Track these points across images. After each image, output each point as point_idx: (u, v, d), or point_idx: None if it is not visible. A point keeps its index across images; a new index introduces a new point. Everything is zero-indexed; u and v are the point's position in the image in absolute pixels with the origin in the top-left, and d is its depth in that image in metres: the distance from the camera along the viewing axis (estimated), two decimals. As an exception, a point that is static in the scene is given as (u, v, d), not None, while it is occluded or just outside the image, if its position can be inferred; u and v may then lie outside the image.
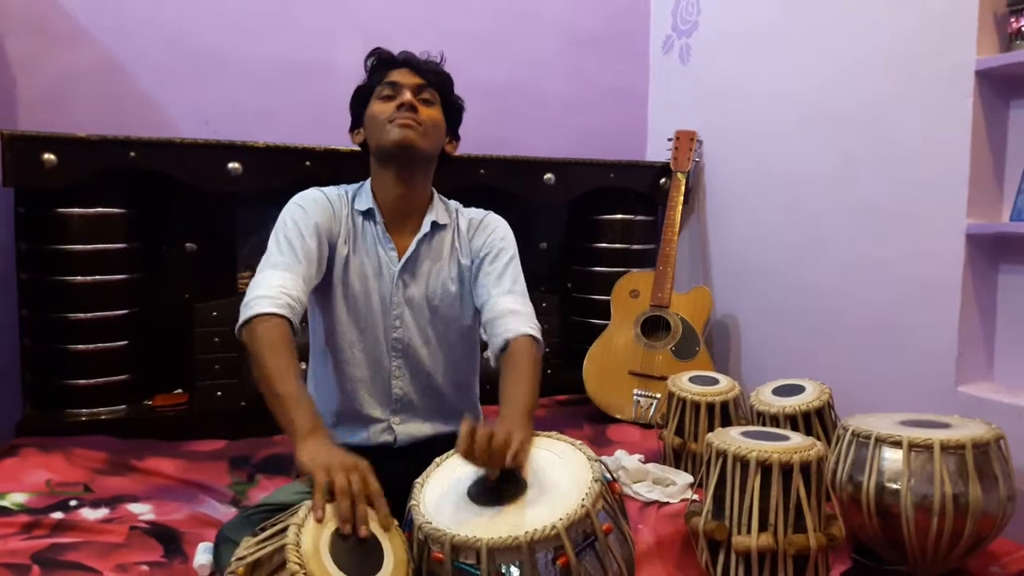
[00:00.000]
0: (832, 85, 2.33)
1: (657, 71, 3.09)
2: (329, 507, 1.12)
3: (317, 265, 1.57)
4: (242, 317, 1.44)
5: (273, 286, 1.47)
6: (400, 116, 1.58)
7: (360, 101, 1.68)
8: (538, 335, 1.58)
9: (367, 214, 1.66)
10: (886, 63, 2.16)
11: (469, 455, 1.23)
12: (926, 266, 2.05)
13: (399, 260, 1.65)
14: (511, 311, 1.60)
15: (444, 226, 1.70)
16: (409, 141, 1.58)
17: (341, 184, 1.73)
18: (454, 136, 1.75)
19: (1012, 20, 1.90)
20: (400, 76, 1.62)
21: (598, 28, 3.01)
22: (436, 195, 1.74)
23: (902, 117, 2.12)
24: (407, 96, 1.59)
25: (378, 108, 1.62)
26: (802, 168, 2.45)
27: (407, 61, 1.65)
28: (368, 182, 1.71)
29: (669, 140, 2.84)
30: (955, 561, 1.49)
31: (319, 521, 1.09)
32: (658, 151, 2.97)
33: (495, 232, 1.72)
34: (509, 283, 1.66)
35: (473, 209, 1.78)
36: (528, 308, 1.63)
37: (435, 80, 1.65)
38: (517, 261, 1.71)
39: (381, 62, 1.66)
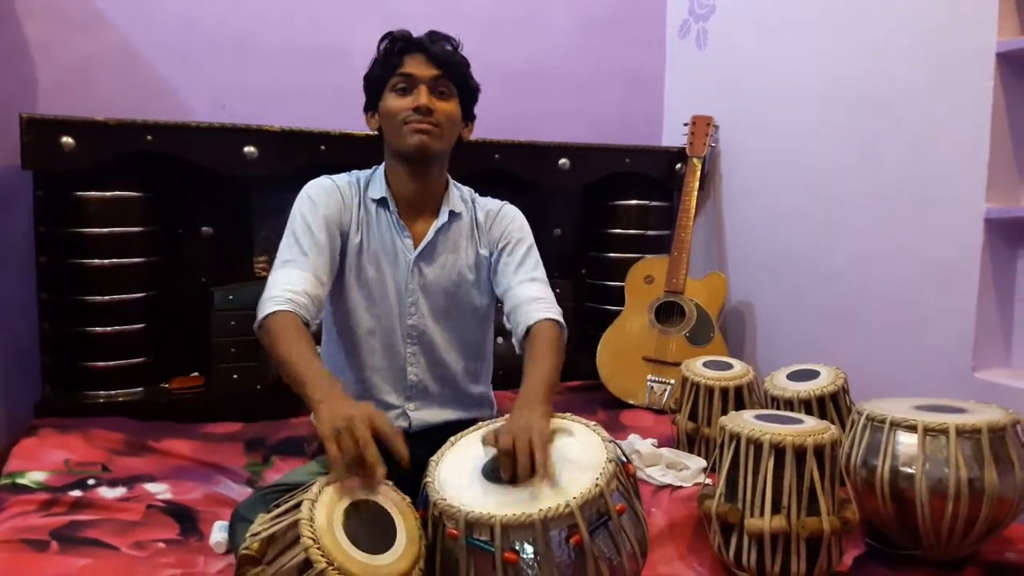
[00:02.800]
0: (850, 69, 2.31)
1: (673, 55, 3.07)
2: (342, 482, 1.14)
3: (329, 256, 1.58)
4: (257, 321, 1.48)
5: (278, 286, 1.50)
6: (416, 120, 1.57)
7: (374, 85, 1.66)
8: (561, 319, 1.60)
9: (381, 202, 1.66)
10: (905, 46, 2.14)
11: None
12: (944, 251, 2.03)
13: (415, 248, 1.66)
14: (533, 298, 1.62)
15: (460, 215, 1.70)
16: (425, 147, 1.58)
17: (353, 170, 1.72)
18: (469, 119, 1.73)
19: (1034, 2, 1.88)
20: (415, 67, 1.59)
21: (613, 12, 2.99)
22: (452, 183, 1.74)
23: (921, 100, 2.09)
24: (423, 99, 1.57)
25: (393, 104, 1.60)
26: (819, 153, 2.43)
27: (421, 46, 1.61)
28: (381, 168, 1.70)
29: (685, 125, 2.82)
30: (970, 546, 1.48)
31: (324, 487, 1.12)
32: (674, 136, 2.96)
33: (512, 223, 1.73)
34: (529, 271, 1.68)
35: (489, 199, 1.78)
36: (549, 294, 1.66)
37: (452, 70, 1.62)
38: (535, 249, 1.73)
39: (395, 47, 1.62)
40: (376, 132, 1.70)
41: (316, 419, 1.25)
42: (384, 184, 1.67)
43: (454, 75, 1.63)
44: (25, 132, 2.01)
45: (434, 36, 1.64)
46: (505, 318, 1.66)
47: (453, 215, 1.69)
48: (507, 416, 1.37)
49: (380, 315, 1.67)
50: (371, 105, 1.69)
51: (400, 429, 1.33)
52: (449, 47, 1.64)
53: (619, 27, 3.01)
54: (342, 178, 1.68)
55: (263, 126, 2.26)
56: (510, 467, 1.21)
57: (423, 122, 1.57)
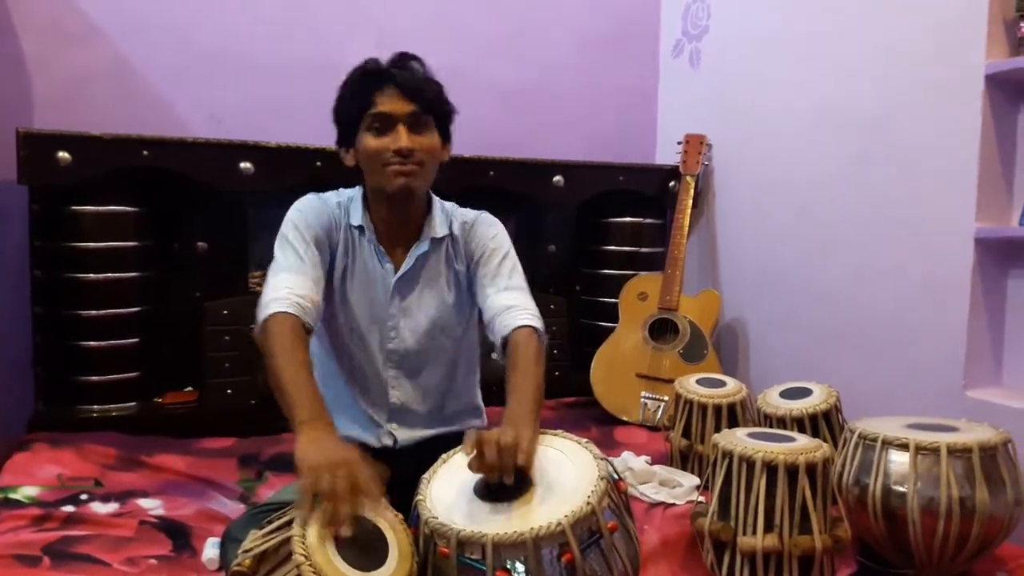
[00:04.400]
0: (841, 89, 2.33)
1: (667, 74, 3.10)
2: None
3: (322, 270, 1.58)
4: (257, 322, 1.46)
5: (282, 288, 1.48)
6: (397, 163, 1.53)
7: (348, 121, 1.60)
8: (538, 325, 1.55)
9: (360, 229, 1.64)
10: (895, 67, 2.16)
11: (480, 468, 1.23)
12: (934, 270, 2.05)
13: (395, 272, 1.64)
14: (508, 306, 1.58)
15: (442, 240, 1.67)
16: (409, 188, 1.56)
17: (341, 188, 1.70)
18: (447, 141, 1.67)
19: (1022, 24, 1.89)
20: (390, 104, 1.54)
21: (608, 31, 3.01)
22: (435, 204, 1.69)
23: (911, 121, 2.11)
24: (403, 141, 1.52)
25: (372, 144, 1.55)
26: (811, 172, 2.45)
27: (392, 79, 1.55)
28: (360, 194, 1.67)
29: (678, 143, 2.84)
30: (961, 565, 1.48)
31: (303, 526, 1.08)
32: (667, 154, 2.97)
33: (487, 231, 1.69)
34: (505, 279, 1.64)
35: (466, 211, 1.74)
36: (526, 300, 1.61)
37: (427, 103, 1.57)
38: (512, 256, 1.68)
39: (365, 82, 1.58)
40: (353, 167, 1.65)
41: (297, 446, 1.24)
42: (363, 211, 1.64)
43: (430, 107, 1.58)
44: (22, 147, 2.01)
45: (402, 63, 1.58)
46: (486, 328, 1.64)
47: (435, 242, 1.66)
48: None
49: (362, 338, 1.66)
50: (345, 140, 1.63)
51: (383, 481, 1.31)
52: (420, 72, 1.59)
53: (613, 46, 3.03)
54: (331, 197, 1.67)
55: (259, 142, 2.27)
56: (492, 466, 1.21)
57: (405, 164, 1.54)
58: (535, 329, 1.54)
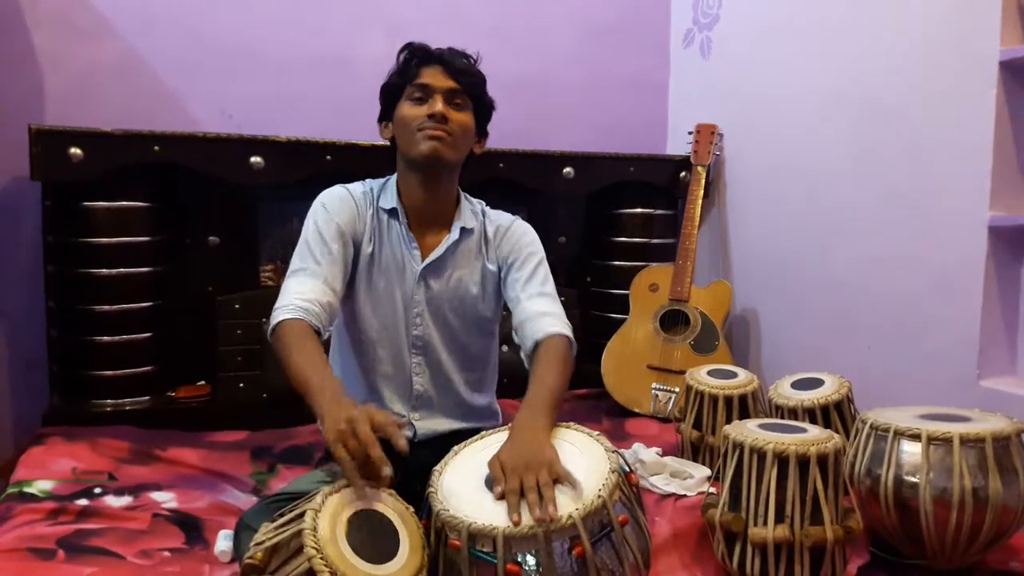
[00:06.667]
0: (854, 77, 2.31)
1: (678, 64, 3.08)
2: (346, 492, 1.15)
3: (341, 265, 1.60)
4: (269, 328, 1.50)
5: (291, 294, 1.52)
6: (430, 127, 1.58)
7: (390, 95, 1.67)
8: (570, 334, 1.60)
9: (391, 212, 1.67)
10: (908, 54, 2.14)
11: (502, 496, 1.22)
12: (948, 259, 2.03)
13: (422, 260, 1.67)
14: (542, 313, 1.62)
15: (471, 230, 1.71)
16: (438, 154, 1.59)
17: (366, 179, 1.74)
18: (482, 135, 1.74)
19: (1037, 10, 1.88)
20: (433, 78, 1.61)
21: (618, 21, 3.00)
22: (463, 196, 1.75)
23: (924, 109, 2.10)
24: (439, 106, 1.58)
25: (408, 112, 1.61)
26: (823, 161, 2.43)
27: (441, 59, 1.62)
28: (394, 179, 1.72)
29: (689, 134, 2.83)
30: (974, 555, 1.48)
31: (315, 514, 1.11)
32: (678, 145, 2.96)
33: (522, 238, 1.74)
34: (538, 285, 1.68)
35: (500, 213, 1.79)
36: (558, 309, 1.66)
37: (468, 83, 1.63)
38: (545, 264, 1.73)
39: (414, 57, 1.64)
40: (389, 142, 1.71)
41: (322, 426, 1.26)
42: (395, 195, 1.68)
43: (470, 88, 1.64)
44: (34, 143, 2.02)
45: (453, 51, 1.65)
46: (513, 332, 1.67)
47: (464, 231, 1.70)
48: (511, 426, 1.37)
49: (387, 324, 1.68)
50: (386, 115, 1.70)
51: (402, 423, 1.33)
52: (466, 61, 1.65)
53: (623, 36, 3.01)
54: (356, 187, 1.70)
55: (269, 136, 2.27)
56: (517, 506, 1.17)
57: (437, 129, 1.58)
58: (567, 338, 1.60)
